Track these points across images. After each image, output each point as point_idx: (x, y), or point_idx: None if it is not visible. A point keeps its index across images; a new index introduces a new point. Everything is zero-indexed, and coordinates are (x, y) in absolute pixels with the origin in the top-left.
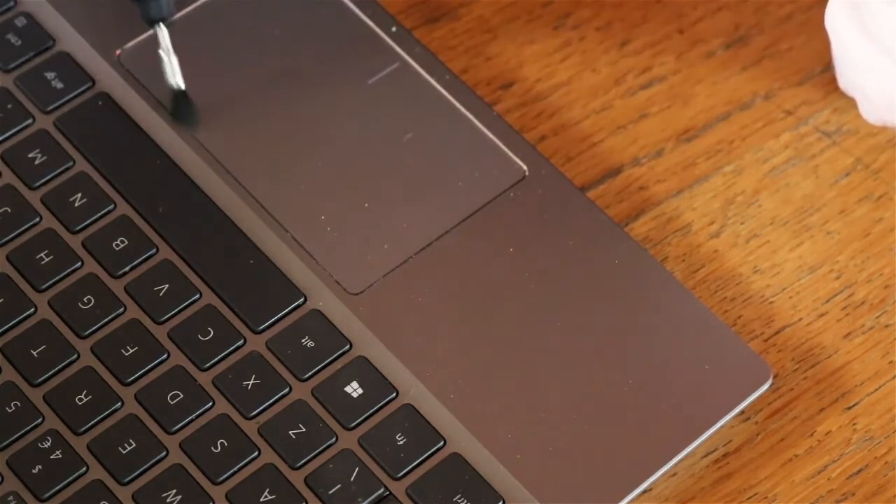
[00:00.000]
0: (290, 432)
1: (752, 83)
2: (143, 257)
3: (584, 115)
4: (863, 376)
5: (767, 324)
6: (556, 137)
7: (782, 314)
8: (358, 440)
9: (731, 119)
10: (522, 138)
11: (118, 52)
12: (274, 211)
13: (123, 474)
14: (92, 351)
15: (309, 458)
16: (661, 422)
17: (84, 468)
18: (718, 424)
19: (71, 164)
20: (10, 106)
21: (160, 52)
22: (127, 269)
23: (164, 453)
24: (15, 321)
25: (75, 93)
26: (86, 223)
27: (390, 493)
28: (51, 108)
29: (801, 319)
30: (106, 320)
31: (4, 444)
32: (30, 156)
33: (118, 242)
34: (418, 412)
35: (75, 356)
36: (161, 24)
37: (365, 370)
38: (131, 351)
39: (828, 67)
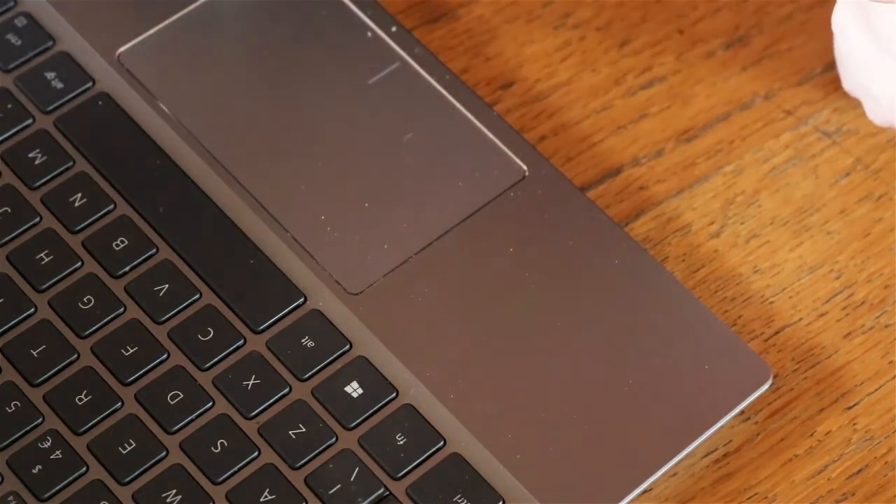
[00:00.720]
0: (290, 432)
1: (752, 83)
2: (143, 257)
3: (584, 115)
4: (863, 376)
5: (767, 324)
6: (556, 137)
7: (782, 314)
8: (358, 440)
9: (731, 119)
10: (522, 138)
11: (118, 52)
12: (274, 211)
13: (123, 474)
14: (92, 351)
15: (309, 458)
16: (661, 422)
17: (84, 468)
18: (718, 424)
19: (71, 164)
20: (10, 106)
21: None
22: (127, 269)
23: (164, 453)
24: (15, 321)
25: (75, 93)
26: (86, 223)
27: (390, 493)
28: (51, 108)
29: (801, 319)
30: (106, 320)
31: (4, 444)
32: (30, 156)
33: (118, 242)
34: (418, 412)
35: (75, 356)
36: None
37: (365, 370)
38: (131, 351)
39: (828, 67)
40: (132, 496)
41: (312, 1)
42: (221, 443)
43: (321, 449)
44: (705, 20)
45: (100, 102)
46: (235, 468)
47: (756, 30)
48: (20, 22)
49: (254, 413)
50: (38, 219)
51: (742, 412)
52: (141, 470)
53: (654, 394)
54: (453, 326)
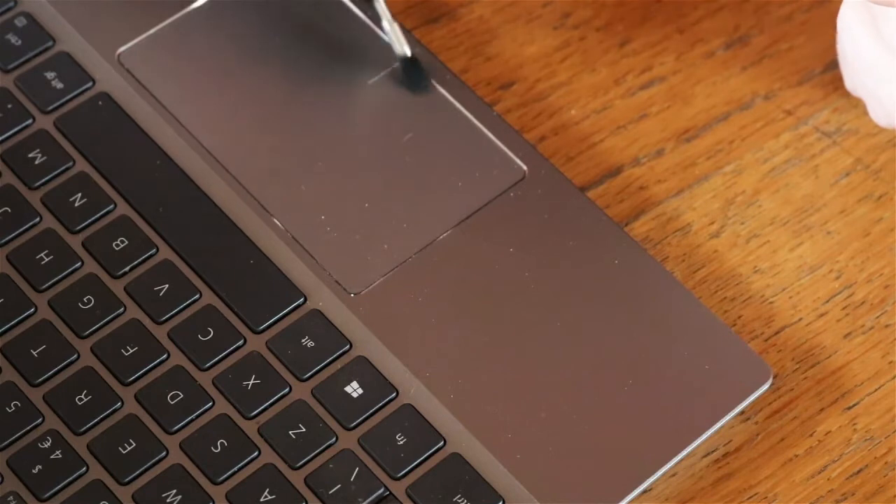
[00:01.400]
0: (290, 432)
1: (752, 83)
2: (143, 257)
3: (584, 115)
4: (863, 376)
5: (767, 324)
6: (556, 137)
7: (782, 314)
8: (358, 440)
9: (731, 119)
10: (522, 138)
11: (118, 52)
12: (274, 211)
13: (123, 474)
14: (92, 351)
15: (309, 458)
16: (662, 422)
17: (84, 468)
18: (718, 424)
19: (71, 164)
20: (10, 106)
21: (384, 24)
22: (127, 269)
23: (164, 453)
24: (15, 321)
25: (75, 93)
26: (86, 223)
27: (390, 493)
28: (51, 108)
29: (801, 319)
30: (106, 320)
31: (4, 444)
32: (30, 156)
33: (118, 242)
34: (418, 412)
35: (75, 356)
36: None
37: (365, 370)
38: (131, 351)
39: (828, 67)
40: (132, 496)
41: (312, 1)
42: (221, 443)
43: (321, 449)
44: (705, 20)
45: (100, 102)
46: (235, 468)
47: (756, 30)
48: (20, 22)
49: (254, 413)
50: (38, 219)
51: (742, 412)
52: (141, 470)
53: (654, 394)
54: (453, 326)
